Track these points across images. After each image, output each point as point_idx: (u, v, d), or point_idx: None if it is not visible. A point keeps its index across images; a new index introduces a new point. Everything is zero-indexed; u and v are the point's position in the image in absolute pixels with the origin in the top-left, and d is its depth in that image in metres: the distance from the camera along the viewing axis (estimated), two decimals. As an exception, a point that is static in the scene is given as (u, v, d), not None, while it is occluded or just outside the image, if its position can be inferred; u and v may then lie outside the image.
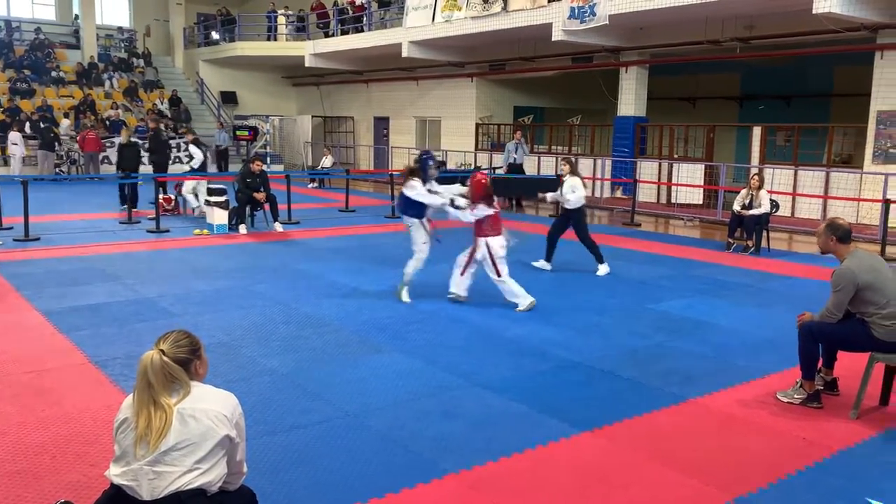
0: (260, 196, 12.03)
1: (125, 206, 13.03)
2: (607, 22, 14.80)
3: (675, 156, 17.20)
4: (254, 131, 24.62)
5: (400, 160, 22.70)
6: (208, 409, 2.49)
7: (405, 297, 7.48)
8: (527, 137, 18.73)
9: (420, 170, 7.36)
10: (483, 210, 7.07)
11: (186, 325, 6.26)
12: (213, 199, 11.93)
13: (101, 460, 3.88)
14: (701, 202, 15.84)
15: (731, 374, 5.47)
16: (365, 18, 22.28)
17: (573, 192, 8.92)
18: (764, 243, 10.92)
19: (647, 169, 16.78)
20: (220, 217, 11.81)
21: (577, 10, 15.37)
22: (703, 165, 15.91)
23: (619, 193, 17.73)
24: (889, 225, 10.77)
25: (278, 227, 12.29)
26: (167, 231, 11.70)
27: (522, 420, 4.55)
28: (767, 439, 4.35)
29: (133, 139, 15.31)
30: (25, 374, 5.18)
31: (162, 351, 2.48)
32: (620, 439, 4.30)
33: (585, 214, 9.42)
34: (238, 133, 24.17)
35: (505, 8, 16.82)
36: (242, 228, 11.92)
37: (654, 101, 18.61)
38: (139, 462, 2.39)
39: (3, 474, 3.70)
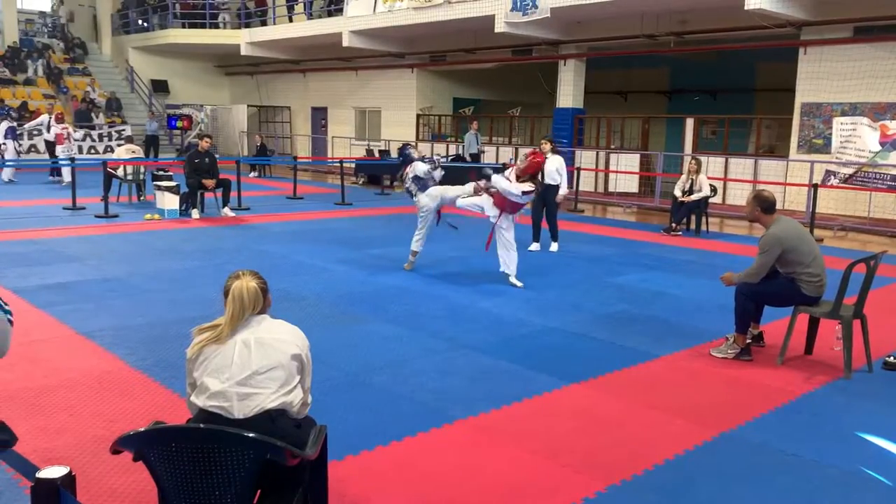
0: (209, 183, 11.97)
1: None
2: (549, 14, 15.26)
3: (612, 146, 17.85)
4: (188, 120, 24.16)
5: (340, 150, 22.74)
6: (283, 337, 2.72)
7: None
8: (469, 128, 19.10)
9: (404, 161, 8.05)
10: (528, 187, 7.37)
11: (166, 301, 6.41)
12: (164, 183, 11.79)
13: (119, 417, 3.98)
14: (637, 190, 16.52)
15: (694, 335, 5.91)
16: (304, 7, 22.16)
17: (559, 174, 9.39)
18: (702, 227, 11.57)
19: (585, 158, 17.37)
20: (170, 202, 11.68)
21: (519, 3, 15.78)
22: (639, 155, 16.59)
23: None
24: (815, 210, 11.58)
25: (228, 211, 12.23)
26: (116, 216, 11.51)
27: (515, 375, 4.85)
28: (736, 387, 4.78)
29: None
30: (14, 345, 5.14)
31: (247, 280, 2.69)
32: (607, 389, 4.66)
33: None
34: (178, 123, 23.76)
35: (448, -1, 17.10)
36: (195, 213, 11.83)
37: (588, 95, 19.21)
38: (225, 385, 2.57)
39: (25, 430, 3.76)
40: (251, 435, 2.26)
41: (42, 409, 4.07)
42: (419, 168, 7.98)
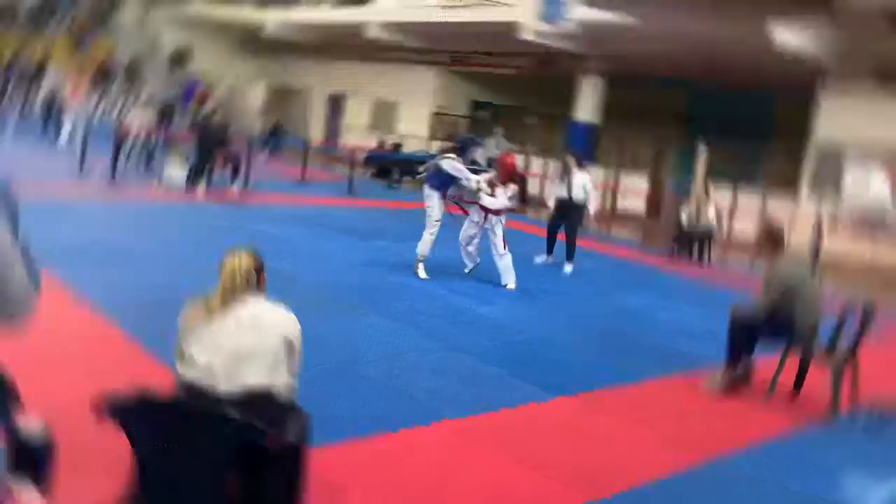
0: (219, 155, 11.90)
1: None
2: (576, 28, 15.26)
3: (624, 165, 17.84)
4: (205, 93, 24.21)
5: (353, 139, 22.72)
6: (274, 318, 2.75)
7: (422, 273, 7.58)
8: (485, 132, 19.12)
9: (459, 150, 7.73)
10: (511, 192, 7.42)
11: (162, 271, 6.35)
12: (173, 155, 11.80)
13: (106, 384, 3.96)
14: (645, 212, 16.52)
15: (687, 360, 5.87)
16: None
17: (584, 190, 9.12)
18: (707, 255, 11.56)
19: (595, 175, 17.30)
20: (178, 174, 11.65)
21: (548, 13, 15.78)
22: (649, 177, 16.59)
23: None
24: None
25: (235, 189, 12.20)
26: (122, 184, 11.48)
27: (505, 382, 4.86)
28: (725, 418, 4.77)
29: None
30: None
31: (241, 258, 2.70)
32: (597, 405, 4.66)
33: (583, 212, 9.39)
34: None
35: (478, 1, 17.09)
36: (200, 188, 11.78)
37: (605, 112, 19.19)
38: (212, 359, 2.59)
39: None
40: (232, 414, 2.26)
41: (33, 374, 4.06)
42: (459, 169, 7.51)
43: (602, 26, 15.15)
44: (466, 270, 7.88)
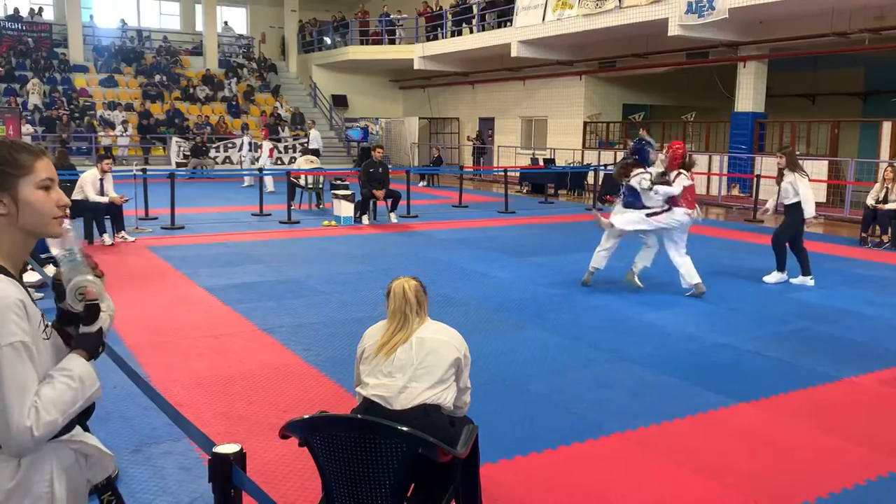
0: (379, 194, 12.52)
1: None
2: (727, 16, 14.54)
3: (797, 152, 16.66)
4: (364, 132, 25.46)
5: (506, 160, 22.93)
6: (443, 338, 2.84)
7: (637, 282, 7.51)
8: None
9: (639, 159, 7.33)
10: (683, 180, 7.04)
11: (336, 303, 6.76)
12: (340, 192, 12.50)
13: (292, 407, 4.26)
14: (825, 199, 15.30)
15: (884, 358, 5.39)
16: (475, 20, 22.62)
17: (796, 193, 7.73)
18: (900, 239, 10.53)
19: (767, 165, 16.31)
20: (346, 210, 12.35)
21: (694, 5, 15.17)
22: (827, 162, 15.38)
23: (735, 191, 17.35)
24: None
25: (393, 217, 12.69)
26: (297, 222, 12.33)
27: (678, 391, 4.67)
28: (933, 417, 4.31)
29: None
30: (205, 337, 5.68)
31: (405, 283, 2.83)
32: (780, 410, 4.37)
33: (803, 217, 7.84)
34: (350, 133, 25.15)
35: (619, 5, 16.76)
36: (365, 220, 12.43)
37: (771, 98, 18.09)
38: (387, 378, 2.73)
39: (210, 415, 4.13)
40: (404, 429, 2.35)
41: (226, 396, 4.45)
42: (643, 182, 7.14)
43: (755, 9, 14.32)
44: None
